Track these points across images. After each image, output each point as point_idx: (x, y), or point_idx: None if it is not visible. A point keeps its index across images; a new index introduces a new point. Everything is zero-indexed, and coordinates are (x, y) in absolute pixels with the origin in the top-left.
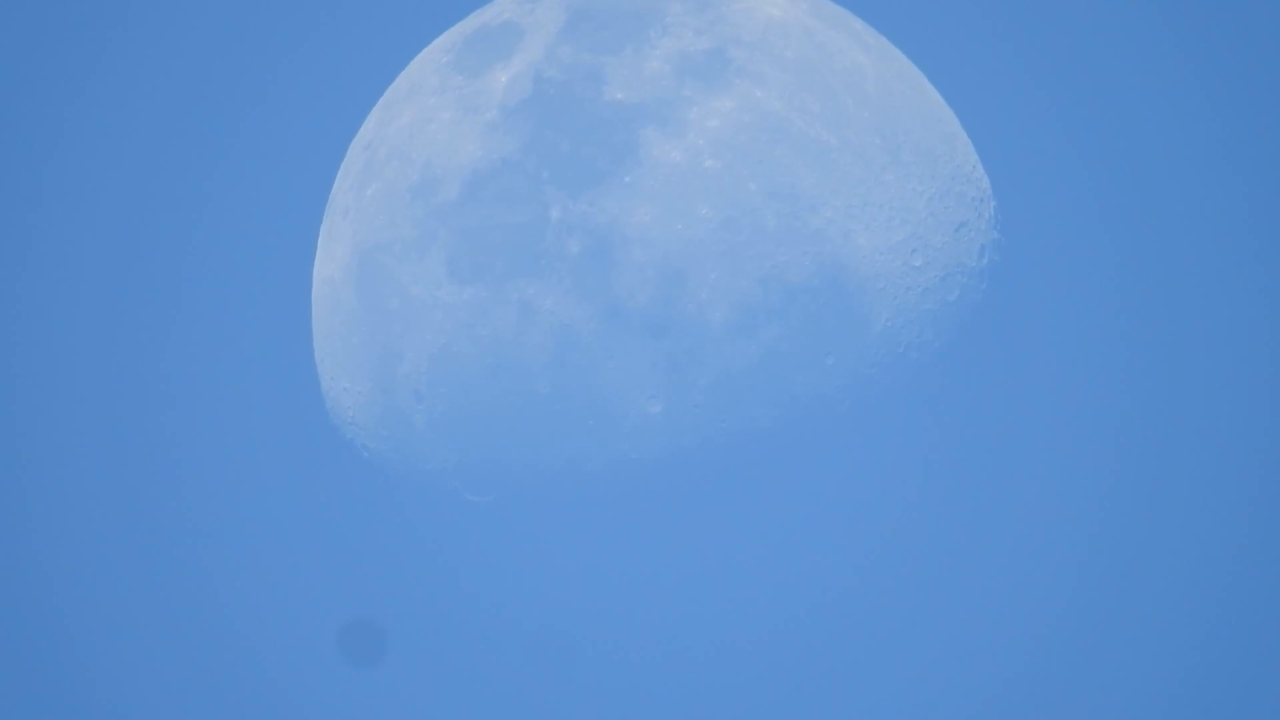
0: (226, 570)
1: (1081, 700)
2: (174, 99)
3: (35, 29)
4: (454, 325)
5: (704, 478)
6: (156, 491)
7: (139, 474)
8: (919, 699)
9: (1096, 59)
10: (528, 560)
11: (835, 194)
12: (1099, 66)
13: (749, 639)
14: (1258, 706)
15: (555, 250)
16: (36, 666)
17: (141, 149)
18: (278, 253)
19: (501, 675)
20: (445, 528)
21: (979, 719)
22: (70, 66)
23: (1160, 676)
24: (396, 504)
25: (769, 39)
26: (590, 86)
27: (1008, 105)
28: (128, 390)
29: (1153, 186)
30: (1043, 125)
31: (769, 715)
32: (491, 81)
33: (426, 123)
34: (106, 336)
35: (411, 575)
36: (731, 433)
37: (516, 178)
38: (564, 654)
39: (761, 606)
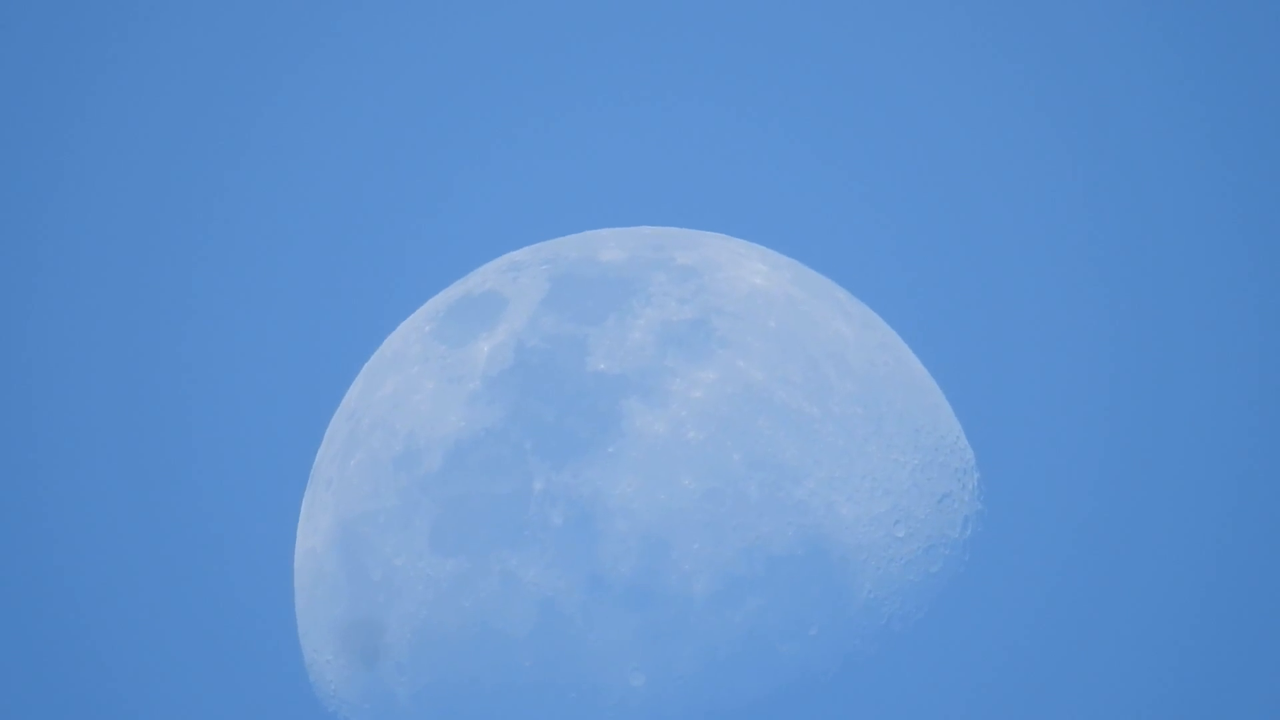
0: None
1: None
2: (159, 379)
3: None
4: (436, 596)
5: None
6: None
7: None
8: None
9: (1083, 330)
10: None
11: (818, 465)
12: (1086, 339)
13: None
14: None
15: (538, 521)
16: None
17: (127, 430)
18: (260, 525)
19: None
20: None
21: None
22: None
23: None
24: None
25: (752, 309)
26: (573, 356)
27: (992, 376)
28: (116, 668)
29: (1141, 458)
30: (1028, 397)
31: None
32: (474, 351)
33: (410, 392)
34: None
35: None
36: (716, 705)
37: (500, 448)
38: None
39: None
